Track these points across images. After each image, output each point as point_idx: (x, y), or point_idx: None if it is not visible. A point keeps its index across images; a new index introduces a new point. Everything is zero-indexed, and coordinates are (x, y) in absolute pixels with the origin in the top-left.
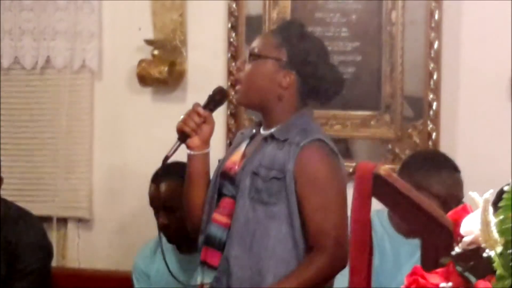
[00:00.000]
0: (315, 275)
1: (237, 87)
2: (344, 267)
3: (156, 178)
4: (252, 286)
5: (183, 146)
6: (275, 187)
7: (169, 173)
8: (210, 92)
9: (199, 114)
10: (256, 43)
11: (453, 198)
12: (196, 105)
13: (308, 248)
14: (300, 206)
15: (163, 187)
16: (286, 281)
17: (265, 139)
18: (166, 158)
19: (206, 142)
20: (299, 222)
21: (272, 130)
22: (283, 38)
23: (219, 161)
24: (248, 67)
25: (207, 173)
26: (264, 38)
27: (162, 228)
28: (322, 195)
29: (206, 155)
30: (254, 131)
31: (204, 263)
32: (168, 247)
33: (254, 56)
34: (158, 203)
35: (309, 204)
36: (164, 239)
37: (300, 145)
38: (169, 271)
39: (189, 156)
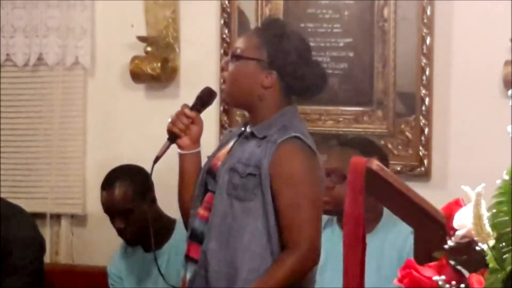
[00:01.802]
0: (287, 274)
1: (223, 86)
2: (316, 264)
3: (106, 184)
4: (227, 279)
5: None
6: (251, 184)
7: (118, 177)
8: (199, 93)
9: (187, 115)
10: (238, 44)
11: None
12: (184, 106)
13: (283, 245)
14: (275, 203)
15: (115, 191)
16: (259, 283)
17: (246, 136)
18: (157, 158)
19: (195, 142)
20: (274, 218)
21: (252, 128)
22: (263, 38)
23: (208, 157)
24: (231, 67)
25: (198, 171)
26: (246, 39)
27: (119, 232)
28: (295, 192)
29: (197, 154)
30: (242, 129)
31: (188, 257)
32: (133, 248)
33: (236, 57)
34: (113, 209)
35: (282, 201)
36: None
37: (277, 142)
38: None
39: (180, 156)
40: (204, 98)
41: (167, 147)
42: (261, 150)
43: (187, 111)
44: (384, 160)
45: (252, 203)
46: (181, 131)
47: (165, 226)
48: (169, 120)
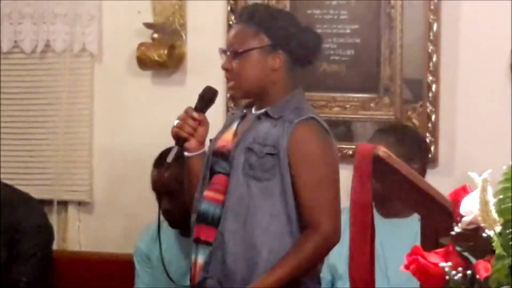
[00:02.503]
0: (310, 254)
1: (230, 84)
2: (337, 242)
3: (159, 163)
4: (246, 260)
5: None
6: (269, 163)
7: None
8: (200, 93)
9: (193, 118)
10: (233, 40)
11: None
12: (189, 109)
13: (302, 225)
14: (293, 183)
15: (166, 172)
16: (284, 261)
17: (258, 117)
18: (168, 165)
19: (202, 143)
20: (293, 197)
21: (266, 108)
22: (257, 24)
23: (210, 140)
24: (235, 65)
25: None
26: (239, 31)
27: (164, 213)
28: (314, 172)
29: (203, 154)
30: (245, 111)
31: (198, 240)
32: (170, 231)
33: (237, 55)
34: (161, 188)
35: (302, 180)
36: (165, 223)
37: (294, 122)
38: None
39: (188, 158)
40: (207, 98)
41: (176, 152)
42: (278, 130)
43: (194, 114)
44: (422, 147)
45: (270, 183)
46: (189, 134)
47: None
48: (174, 124)
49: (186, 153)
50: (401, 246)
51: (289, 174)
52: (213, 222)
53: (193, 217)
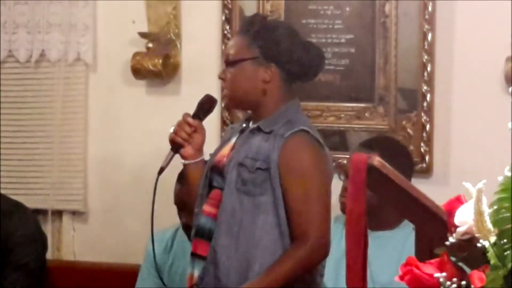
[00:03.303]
0: (295, 266)
1: (224, 93)
2: (325, 257)
3: (182, 178)
4: (239, 274)
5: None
6: (260, 178)
7: None
8: (199, 100)
9: (189, 124)
10: (229, 49)
11: None
12: (186, 115)
13: (292, 238)
14: (284, 197)
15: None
16: (268, 273)
17: (252, 131)
18: (161, 169)
19: (199, 150)
20: (285, 212)
21: (258, 123)
22: (250, 35)
23: (210, 155)
24: (229, 74)
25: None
26: (235, 42)
27: (183, 227)
28: (304, 185)
29: (201, 163)
30: (244, 125)
31: (194, 255)
32: (186, 242)
33: (231, 63)
34: (180, 203)
35: (292, 194)
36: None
37: (285, 136)
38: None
39: (184, 166)
40: (205, 106)
41: (171, 158)
42: (269, 144)
43: (189, 119)
44: (407, 160)
45: (262, 198)
46: (184, 140)
47: None
48: (171, 130)
49: (182, 161)
50: (387, 259)
51: (280, 188)
52: (209, 237)
53: (193, 231)
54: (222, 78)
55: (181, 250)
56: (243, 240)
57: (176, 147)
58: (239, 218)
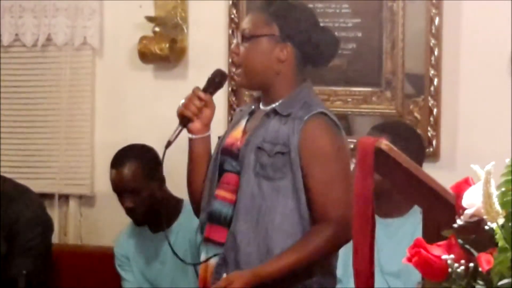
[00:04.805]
0: (321, 245)
1: (237, 71)
2: (349, 239)
3: (116, 163)
4: (260, 260)
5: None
6: (280, 162)
7: (128, 156)
8: (209, 75)
9: (200, 98)
10: (246, 25)
11: None
12: (196, 89)
13: (314, 222)
14: (305, 180)
15: (124, 170)
16: (293, 250)
17: (267, 114)
18: (169, 143)
19: (207, 126)
20: (305, 196)
21: (274, 105)
22: (271, 13)
23: (219, 138)
24: (243, 49)
25: (209, 155)
26: (253, 18)
27: (127, 211)
28: (327, 169)
29: (207, 138)
30: (253, 107)
31: (208, 240)
32: (143, 230)
33: (247, 38)
34: (122, 187)
35: (314, 178)
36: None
37: (304, 119)
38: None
39: (190, 140)
40: (216, 80)
41: (179, 131)
42: (288, 128)
43: (201, 93)
44: (418, 144)
45: (282, 182)
46: (193, 114)
47: (173, 206)
48: (180, 103)
49: (189, 135)
50: (395, 246)
51: (300, 172)
52: (225, 222)
53: (203, 215)
54: (235, 52)
55: (138, 238)
56: (262, 225)
57: (184, 120)
58: (258, 203)
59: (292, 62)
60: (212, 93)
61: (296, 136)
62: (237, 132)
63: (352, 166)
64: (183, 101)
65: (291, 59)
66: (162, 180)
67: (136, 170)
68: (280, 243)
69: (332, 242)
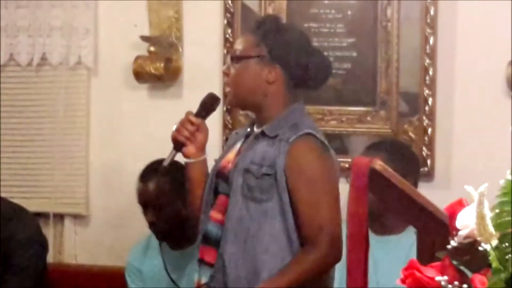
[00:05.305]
0: (309, 268)
1: (227, 90)
2: (338, 261)
3: (144, 177)
4: (248, 282)
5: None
6: (266, 184)
7: (156, 171)
8: (202, 99)
9: (191, 123)
10: (236, 45)
11: None
12: (189, 113)
13: (302, 244)
14: (292, 202)
15: (151, 185)
16: (281, 275)
17: (256, 136)
18: (164, 169)
19: (201, 149)
20: (292, 217)
21: (263, 127)
22: (260, 34)
23: (215, 160)
24: (233, 70)
25: (206, 177)
26: (243, 39)
27: (150, 225)
28: (313, 191)
29: (203, 162)
30: (248, 129)
31: (202, 261)
32: (162, 244)
33: (236, 59)
34: (145, 201)
35: (301, 199)
36: (154, 237)
37: (290, 141)
38: (166, 269)
39: (186, 165)
40: (208, 104)
41: (173, 156)
42: (274, 149)
43: (192, 118)
44: (413, 163)
45: (269, 204)
46: (186, 139)
47: (193, 228)
48: (174, 128)
49: (184, 159)
50: (393, 263)
51: (287, 193)
52: (216, 243)
53: (199, 237)
54: (226, 73)
55: (156, 252)
56: (251, 247)
57: (178, 145)
58: (246, 225)
59: (280, 84)
60: (204, 117)
61: (282, 158)
62: (231, 155)
63: (341, 186)
64: (176, 125)
65: (279, 81)
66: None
67: (162, 185)
68: (268, 264)
69: (320, 265)
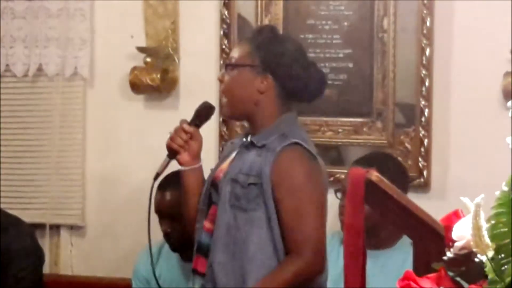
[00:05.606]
0: (291, 278)
1: (223, 100)
2: (321, 272)
3: (162, 186)
4: None
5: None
6: (253, 193)
7: (175, 181)
8: (197, 107)
9: (185, 131)
10: (232, 53)
11: None
12: (183, 121)
13: (287, 253)
14: (277, 210)
15: (167, 195)
16: (263, 283)
17: (246, 146)
18: (157, 175)
19: (195, 157)
20: (278, 226)
21: (252, 137)
22: (255, 44)
23: (211, 170)
24: (227, 78)
25: (201, 185)
26: (239, 47)
27: (164, 235)
28: (298, 200)
29: (198, 169)
30: (244, 139)
31: (195, 271)
32: (172, 255)
33: (230, 67)
34: (161, 210)
35: (285, 209)
36: (166, 246)
37: (276, 150)
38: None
39: (181, 172)
40: (203, 113)
41: (167, 164)
42: (262, 159)
43: (185, 126)
44: (402, 175)
45: (255, 213)
46: (180, 147)
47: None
48: (168, 136)
49: (179, 167)
50: (387, 278)
51: (273, 203)
52: (208, 253)
53: (195, 246)
54: (220, 80)
55: (167, 262)
56: (238, 256)
57: (172, 153)
58: (233, 235)
59: (272, 94)
60: (198, 125)
61: (268, 167)
62: (225, 165)
63: (330, 198)
64: (171, 133)
65: (271, 91)
66: None
67: (179, 196)
68: (254, 273)
69: (303, 274)
